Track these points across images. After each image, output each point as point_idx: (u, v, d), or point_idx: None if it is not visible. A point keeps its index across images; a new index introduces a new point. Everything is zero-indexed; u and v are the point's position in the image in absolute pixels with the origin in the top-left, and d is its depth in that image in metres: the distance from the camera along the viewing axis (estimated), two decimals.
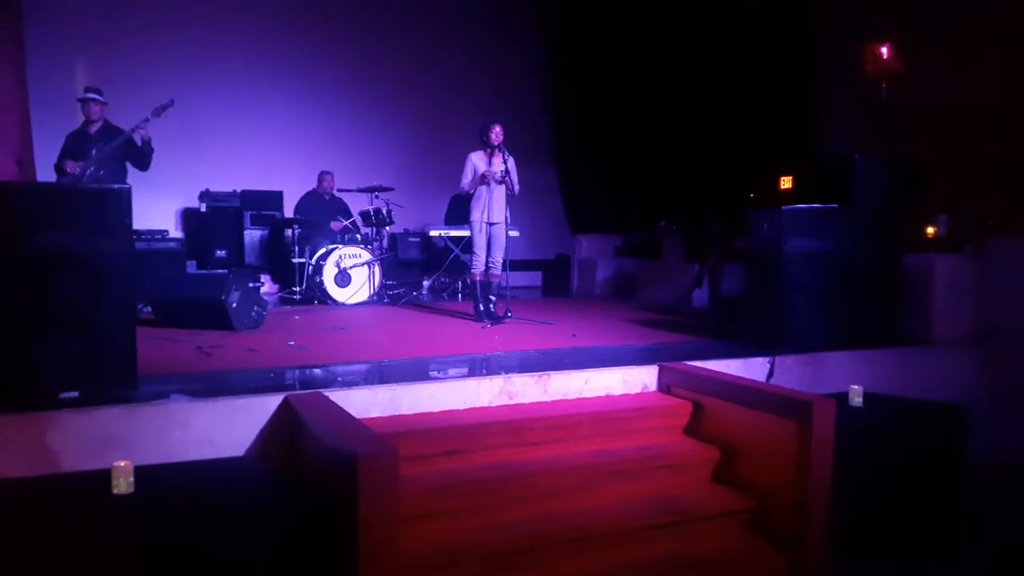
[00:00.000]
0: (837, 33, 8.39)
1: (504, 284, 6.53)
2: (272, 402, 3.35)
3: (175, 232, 9.25)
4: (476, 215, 6.24)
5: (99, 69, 8.55)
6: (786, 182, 5.67)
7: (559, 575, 3.16)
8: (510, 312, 6.31)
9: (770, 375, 4.42)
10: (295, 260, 8.04)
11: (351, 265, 7.75)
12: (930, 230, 6.29)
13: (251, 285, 5.85)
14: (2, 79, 6.58)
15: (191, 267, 8.60)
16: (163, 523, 2.56)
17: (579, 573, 3.19)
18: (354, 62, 10.23)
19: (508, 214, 6.27)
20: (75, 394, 3.19)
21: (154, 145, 6.04)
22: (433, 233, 9.10)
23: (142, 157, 6.05)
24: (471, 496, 3.27)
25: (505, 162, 6.13)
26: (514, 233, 6.94)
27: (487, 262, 6.33)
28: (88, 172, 5.84)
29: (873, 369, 4.68)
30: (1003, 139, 6.60)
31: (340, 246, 7.80)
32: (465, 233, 8.25)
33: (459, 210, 8.91)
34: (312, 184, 8.68)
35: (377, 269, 7.94)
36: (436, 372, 4.17)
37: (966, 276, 5.29)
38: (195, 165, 9.16)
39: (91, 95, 6.09)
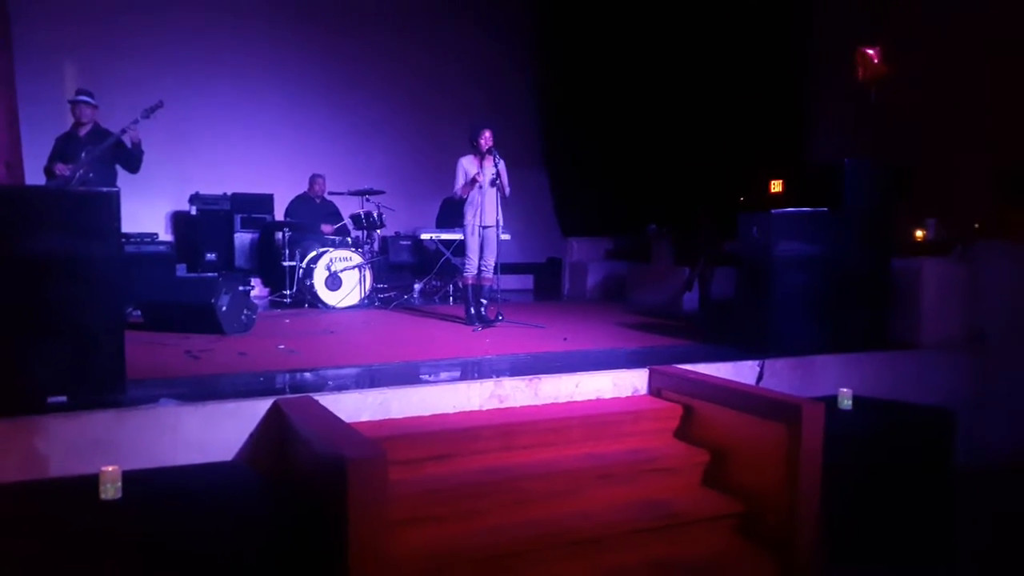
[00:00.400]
0: (827, 37, 8.43)
1: (495, 287, 6.53)
2: (261, 406, 3.34)
3: (165, 235, 9.22)
4: (469, 218, 6.24)
5: (88, 71, 8.53)
6: (776, 185, 5.69)
7: None
8: (501, 315, 6.31)
9: (759, 378, 4.44)
10: (285, 263, 8.02)
11: (342, 268, 7.73)
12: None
13: (241, 288, 5.83)
14: None
15: (181, 270, 8.57)
16: (151, 528, 2.54)
17: None
18: (345, 65, 10.22)
19: (500, 217, 6.28)
20: (63, 399, 3.17)
21: (144, 147, 6.01)
22: (424, 236, 9.10)
23: (132, 159, 6.02)
24: (461, 500, 3.27)
25: (496, 165, 6.14)
26: (505, 236, 6.94)
27: (479, 265, 6.33)
28: (78, 175, 5.81)
29: (862, 372, 4.70)
30: (991, 144, 6.65)
31: (331, 249, 7.79)
32: (456, 236, 8.27)
33: (450, 213, 8.91)
34: (303, 187, 8.67)
35: (368, 272, 7.93)
36: (426, 376, 4.16)
37: (954, 280, 5.32)
38: (185, 168, 9.14)
39: (82, 98, 6.06)
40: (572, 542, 3.25)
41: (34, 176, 6.19)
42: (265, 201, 9.35)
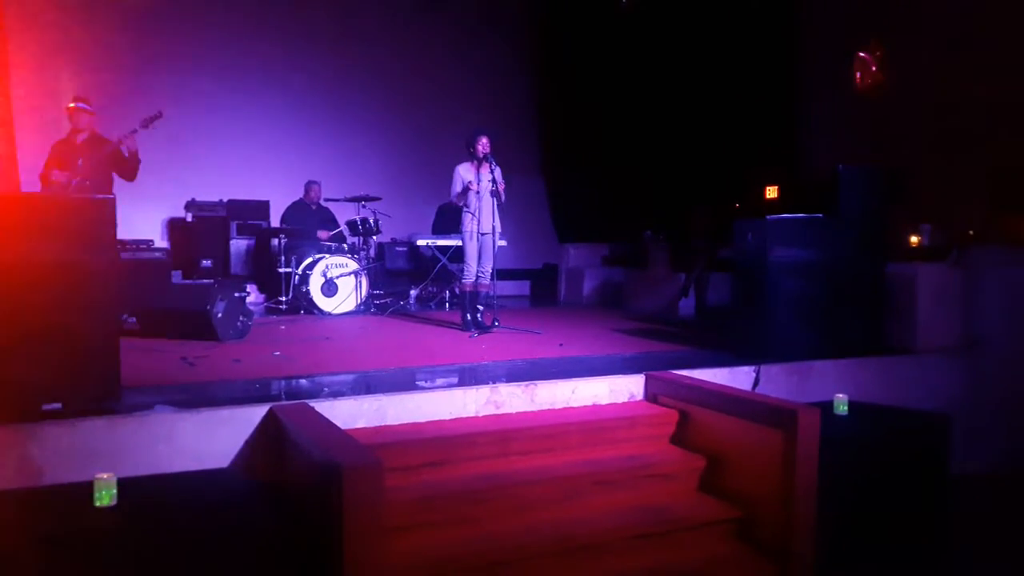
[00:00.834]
0: (821, 43, 8.47)
1: (492, 293, 6.53)
2: (257, 413, 3.33)
3: (161, 242, 9.19)
4: (468, 225, 6.25)
5: (85, 78, 8.52)
6: (771, 192, 5.71)
7: None
8: (497, 321, 6.31)
9: (755, 384, 4.44)
10: (281, 270, 8.00)
11: (338, 275, 7.72)
12: (914, 239, 6.34)
13: (237, 295, 5.82)
14: None
15: (177, 277, 8.54)
16: (146, 536, 2.54)
17: None
18: (341, 72, 10.23)
19: (498, 223, 6.29)
20: (58, 406, 3.16)
21: (140, 155, 6.01)
22: (420, 242, 9.08)
23: (128, 168, 6.01)
24: (457, 507, 3.26)
25: (492, 172, 6.14)
26: (502, 242, 6.94)
27: (476, 271, 6.33)
28: (74, 182, 5.81)
29: (857, 378, 4.71)
30: (986, 149, 6.67)
31: (327, 256, 7.78)
32: (452, 242, 8.26)
33: (446, 219, 8.92)
34: (299, 193, 8.66)
35: (364, 279, 7.92)
36: (422, 382, 4.16)
37: (949, 285, 5.33)
38: (181, 174, 9.12)
39: (80, 104, 6.05)
40: (569, 549, 3.25)
41: (30, 183, 6.18)
42: (261, 207, 9.34)
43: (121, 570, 2.44)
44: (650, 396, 4.22)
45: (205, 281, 8.09)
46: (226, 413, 3.31)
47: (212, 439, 3.24)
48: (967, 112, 6.81)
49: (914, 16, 7.38)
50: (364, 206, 8.30)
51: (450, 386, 3.99)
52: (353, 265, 7.83)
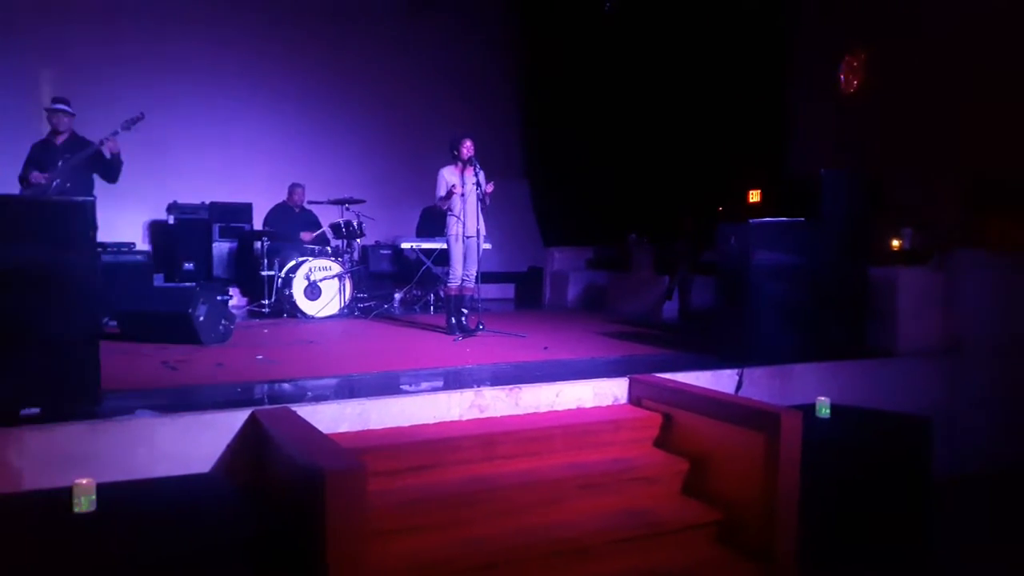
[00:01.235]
0: (805, 49, 8.53)
1: (476, 297, 6.53)
2: (239, 417, 3.31)
3: (142, 244, 9.13)
4: (453, 228, 6.24)
5: (64, 79, 8.45)
6: (754, 196, 5.75)
7: None
8: (482, 325, 6.30)
9: (739, 387, 4.46)
10: (264, 273, 7.96)
11: (321, 278, 7.69)
12: (895, 243, 6.40)
13: (219, 298, 5.78)
14: None
15: (158, 280, 8.49)
16: (126, 542, 2.51)
17: None
18: (325, 74, 10.20)
19: (482, 227, 6.28)
20: (36, 411, 3.12)
21: (122, 157, 5.96)
22: (405, 245, 9.07)
23: (110, 169, 5.96)
24: (441, 511, 3.25)
25: (477, 175, 6.15)
26: (486, 246, 6.94)
27: (462, 275, 6.33)
28: (54, 184, 5.75)
29: (840, 381, 4.74)
30: (966, 154, 6.74)
31: (310, 259, 7.75)
32: (436, 245, 8.25)
33: (431, 222, 8.90)
34: (282, 196, 8.62)
35: (348, 282, 7.89)
36: (406, 386, 4.14)
37: (931, 288, 5.38)
38: (163, 177, 9.06)
39: (59, 106, 5.99)
40: (553, 552, 3.25)
41: (8, 184, 6.11)
42: (244, 210, 9.28)
43: None
44: (634, 399, 4.23)
45: (187, 284, 8.06)
46: (208, 417, 3.28)
47: (194, 444, 3.21)
48: (948, 117, 6.88)
49: (899, 23, 7.45)
50: (348, 209, 8.28)
51: (434, 390, 3.98)
52: (337, 268, 7.80)
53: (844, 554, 3.77)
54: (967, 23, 6.88)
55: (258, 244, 8.24)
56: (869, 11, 7.71)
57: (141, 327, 5.74)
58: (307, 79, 10.10)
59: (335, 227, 8.22)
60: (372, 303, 8.33)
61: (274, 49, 9.90)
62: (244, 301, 8.77)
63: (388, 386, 4.10)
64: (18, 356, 3.12)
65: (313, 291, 7.64)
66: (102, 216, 3.43)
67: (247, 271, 8.92)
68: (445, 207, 6.26)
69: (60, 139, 6.00)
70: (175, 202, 9.09)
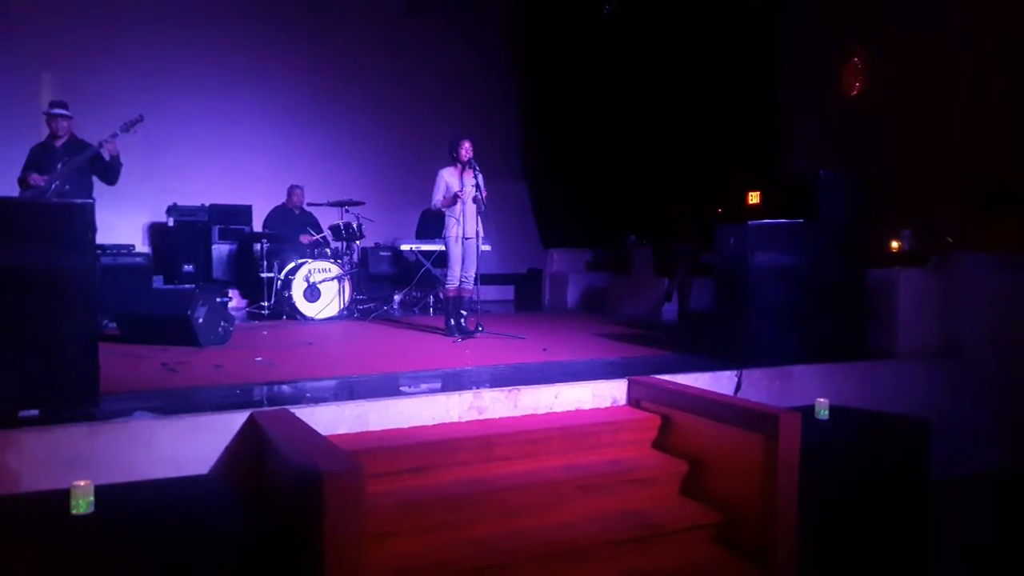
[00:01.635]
0: (803, 51, 8.55)
1: (476, 298, 6.53)
2: (238, 419, 3.31)
3: (142, 246, 9.13)
4: (452, 230, 6.24)
5: (64, 81, 8.45)
6: (753, 197, 5.75)
7: None
8: (481, 326, 6.31)
9: (737, 389, 4.46)
10: (264, 275, 7.96)
11: (321, 280, 7.69)
12: (894, 244, 6.41)
13: (218, 300, 5.78)
14: None
15: (158, 282, 8.49)
16: (124, 544, 2.51)
17: None
18: (324, 76, 10.21)
19: (481, 228, 6.29)
20: (35, 412, 3.12)
21: (122, 159, 5.96)
22: (404, 247, 9.08)
23: (110, 172, 5.97)
24: (439, 513, 3.25)
25: (476, 177, 6.15)
26: (486, 247, 6.94)
27: (460, 276, 6.33)
28: (53, 186, 5.75)
29: (839, 382, 4.74)
30: (965, 156, 6.75)
31: (309, 260, 7.75)
32: (436, 247, 8.26)
33: (430, 224, 8.90)
34: (281, 198, 8.63)
35: (347, 284, 7.89)
36: (405, 387, 4.14)
37: (929, 290, 5.38)
38: (163, 179, 9.06)
39: (57, 111, 5.99)
40: (551, 554, 3.24)
41: (7, 187, 6.12)
42: (243, 212, 9.29)
43: None
44: (633, 401, 4.23)
45: (186, 286, 8.07)
46: (206, 419, 3.28)
47: (192, 445, 3.21)
48: (947, 119, 6.89)
49: (898, 25, 7.46)
50: (347, 211, 8.28)
51: (433, 391, 3.98)
52: (336, 270, 7.81)
53: (843, 556, 3.77)
54: (967, 25, 6.89)
55: (257, 246, 8.24)
56: (868, 13, 7.73)
57: (140, 329, 5.74)
58: (306, 81, 10.11)
59: (335, 229, 8.22)
60: (371, 305, 8.33)
61: (273, 51, 9.90)
62: (243, 303, 8.77)
63: (387, 388, 4.10)
64: (17, 358, 3.12)
65: (313, 293, 7.64)
66: (101, 218, 3.43)
67: (247, 273, 8.92)
68: (444, 208, 6.25)
69: (59, 142, 6.01)
70: (175, 204, 9.10)
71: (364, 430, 3.58)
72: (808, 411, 4.00)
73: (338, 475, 2.53)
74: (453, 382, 4.30)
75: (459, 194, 6.14)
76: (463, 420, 3.83)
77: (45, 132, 6.10)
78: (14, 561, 2.40)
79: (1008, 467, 5.10)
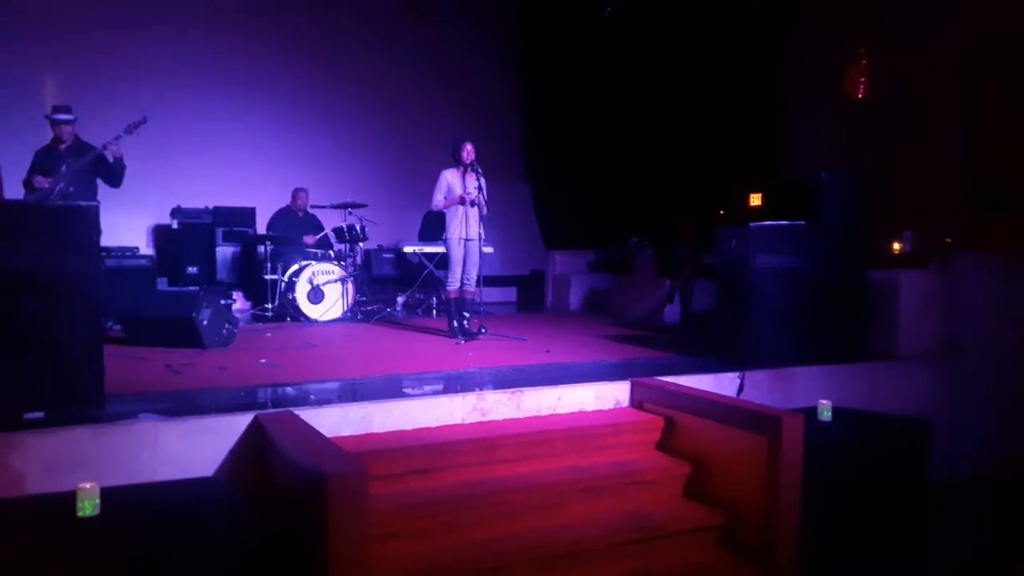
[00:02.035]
0: (804, 53, 8.55)
1: (478, 300, 6.53)
2: (242, 421, 3.32)
3: (146, 249, 9.15)
4: (453, 231, 6.25)
5: (67, 84, 8.48)
6: (755, 199, 5.75)
7: None
8: (484, 328, 6.32)
9: (740, 390, 4.47)
10: (267, 277, 7.98)
11: (324, 282, 7.71)
12: (896, 246, 6.41)
13: (223, 302, 5.80)
14: None
15: (162, 284, 8.51)
16: (129, 546, 2.52)
17: None
18: (327, 79, 10.22)
19: (482, 230, 6.29)
20: (40, 415, 3.14)
21: (126, 161, 5.98)
22: (407, 249, 9.09)
23: (114, 174, 5.98)
24: (443, 515, 3.26)
25: (478, 180, 6.15)
26: (488, 249, 6.95)
27: (462, 278, 6.34)
28: (58, 188, 5.77)
29: (841, 384, 4.74)
30: (966, 157, 6.76)
31: (313, 263, 7.77)
32: (439, 249, 8.26)
33: (433, 226, 8.92)
34: (285, 200, 8.65)
35: (350, 285, 7.91)
36: (409, 389, 4.16)
37: (931, 292, 5.38)
38: (167, 181, 9.08)
39: (59, 116, 6.00)
40: (555, 555, 3.25)
41: (12, 189, 6.14)
42: (247, 214, 9.30)
43: None
44: (636, 402, 4.23)
45: (191, 288, 8.08)
46: (211, 421, 3.30)
47: (197, 447, 3.23)
48: (948, 120, 6.90)
49: (898, 26, 7.46)
50: (351, 213, 8.30)
51: (436, 393, 3.99)
52: (339, 272, 7.82)
53: (845, 557, 3.78)
54: (969, 27, 6.89)
55: (261, 248, 8.26)
56: (869, 15, 7.73)
57: (145, 331, 5.76)
58: (310, 83, 10.13)
59: (338, 231, 8.24)
60: (375, 307, 8.35)
61: (277, 54, 9.92)
62: (247, 305, 8.79)
63: (391, 390, 4.11)
64: (22, 360, 3.14)
65: (316, 295, 7.66)
66: (106, 220, 3.45)
67: (251, 275, 8.94)
68: (443, 208, 6.26)
69: (63, 145, 6.02)
70: (179, 207, 9.12)
71: (368, 432, 3.59)
72: (811, 412, 4.01)
73: (342, 477, 2.54)
74: (456, 384, 4.31)
75: (464, 196, 6.15)
76: (466, 422, 3.84)
77: (49, 135, 6.12)
78: (20, 563, 2.41)
79: (1009, 468, 5.09)
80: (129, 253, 7.60)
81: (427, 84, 10.69)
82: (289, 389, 4.14)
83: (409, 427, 3.70)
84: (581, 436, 3.85)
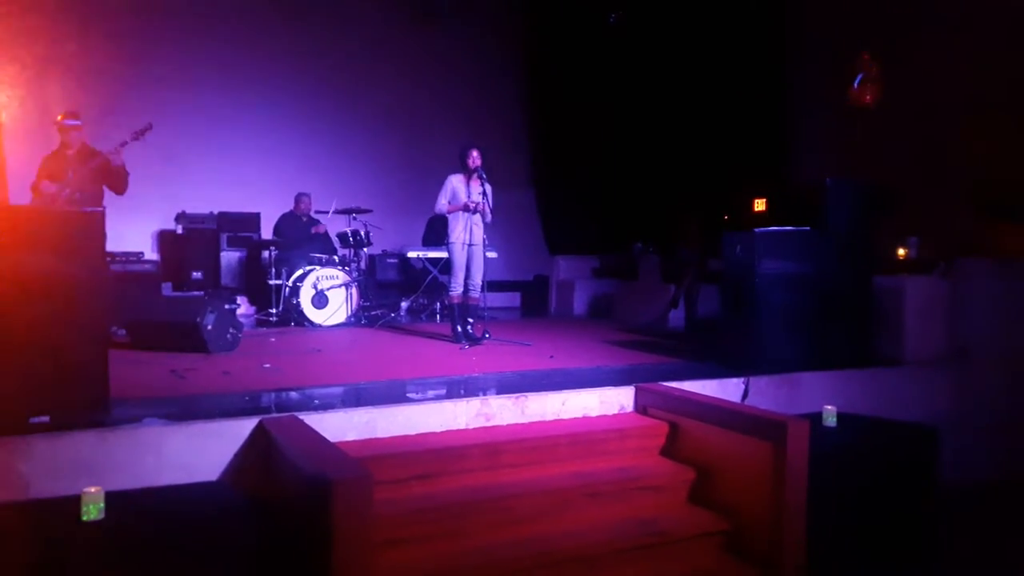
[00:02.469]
0: (810, 58, 8.54)
1: (482, 305, 6.53)
2: (246, 426, 3.32)
3: (151, 254, 9.18)
4: (455, 236, 6.25)
5: (74, 91, 8.51)
6: (759, 204, 5.75)
7: None
8: (488, 333, 6.31)
9: (745, 396, 4.46)
10: (272, 282, 8.00)
11: (328, 286, 7.72)
12: (901, 252, 6.39)
13: (227, 307, 5.81)
14: None
15: (167, 289, 8.53)
16: (133, 550, 2.52)
17: None
18: (332, 84, 10.24)
19: (485, 236, 6.30)
20: (45, 419, 3.14)
21: (130, 167, 5.99)
22: (411, 254, 9.10)
23: (118, 181, 6.00)
24: (446, 520, 3.26)
25: (483, 186, 6.15)
26: (492, 254, 6.94)
27: (466, 283, 6.34)
28: (65, 194, 5.79)
29: (846, 389, 4.73)
30: (972, 161, 6.74)
31: (317, 267, 7.78)
32: (443, 254, 8.27)
33: (437, 231, 8.93)
34: (289, 206, 8.67)
35: (355, 290, 7.92)
36: (413, 394, 4.16)
37: (936, 297, 5.37)
38: (171, 186, 9.11)
39: (67, 121, 6.02)
40: (558, 561, 3.24)
41: (20, 194, 6.16)
42: (251, 220, 9.34)
43: None
44: (640, 408, 4.23)
45: (195, 293, 8.10)
46: (215, 426, 3.30)
47: (201, 452, 3.23)
48: (953, 125, 6.88)
49: (904, 30, 7.45)
50: (355, 218, 8.32)
51: (440, 398, 3.99)
52: (344, 277, 7.83)
53: (850, 563, 3.76)
54: (976, 32, 6.88)
55: (266, 253, 8.28)
56: (876, 20, 7.72)
57: (149, 336, 5.77)
58: (314, 89, 10.15)
59: (342, 236, 8.25)
60: (379, 312, 8.35)
61: (282, 59, 9.95)
62: (252, 310, 8.80)
63: (395, 395, 4.11)
64: (28, 364, 3.15)
65: (320, 300, 7.67)
66: (111, 226, 3.46)
67: (255, 280, 8.96)
68: (447, 213, 6.26)
69: (70, 151, 6.04)
70: (183, 212, 9.15)
71: (372, 437, 3.59)
72: (816, 418, 3.99)
73: (347, 483, 2.54)
74: (460, 389, 4.31)
75: (468, 203, 6.15)
76: (470, 427, 3.84)
77: (57, 141, 6.14)
78: (25, 567, 2.41)
79: (1016, 475, 5.07)
80: (134, 258, 7.62)
81: (432, 90, 10.72)
82: (293, 394, 4.14)
83: (413, 432, 3.70)
84: (585, 441, 3.85)
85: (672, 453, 3.98)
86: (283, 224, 8.53)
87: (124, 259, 7.43)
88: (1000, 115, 6.53)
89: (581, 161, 10.54)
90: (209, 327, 5.54)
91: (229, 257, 9.22)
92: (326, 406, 3.71)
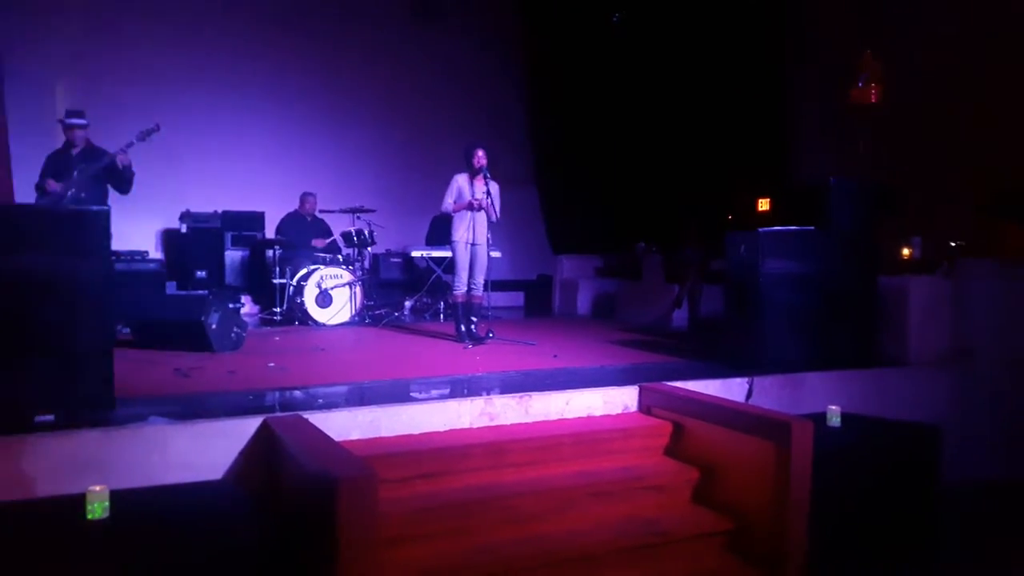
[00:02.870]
0: (814, 58, 8.53)
1: (486, 304, 6.54)
2: (251, 425, 3.33)
3: (155, 253, 9.20)
4: (459, 235, 6.26)
5: (80, 90, 8.53)
6: (763, 204, 5.75)
7: None
8: (492, 333, 6.32)
9: (749, 396, 4.46)
10: (276, 281, 8.01)
11: (332, 286, 7.73)
12: (905, 252, 6.38)
13: (231, 306, 5.82)
14: None
15: (171, 288, 8.54)
16: (138, 549, 2.53)
17: None
18: (336, 84, 10.26)
19: (489, 235, 6.30)
20: (51, 417, 3.16)
21: (135, 167, 6.01)
22: (415, 254, 9.11)
23: (123, 181, 6.01)
24: (451, 519, 3.26)
25: (487, 186, 6.16)
26: (496, 254, 6.94)
27: (469, 283, 6.34)
28: (69, 193, 5.81)
29: (850, 389, 4.72)
30: (976, 162, 6.73)
31: (321, 267, 7.79)
32: (446, 254, 8.27)
33: (441, 231, 8.92)
34: (293, 205, 8.68)
35: (358, 290, 7.93)
36: (417, 393, 4.16)
37: (940, 297, 5.36)
38: (176, 186, 9.12)
39: (73, 120, 6.04)
40: (562, 560, 3.25)
41: (24, 193, 6.17)
42: (256, 219, 9.34)
43: None
44: (644, 407, 4.23)
45: (199, 292, 8.10)
46: (220, 425, 3.31)
47: (206, 451, 3.24)
48: (957, 125, 6.87)
49: (907, 31, 7.44)
50: (359, 217, 8.32)
51: (444, 397, 3.99)
52: (347, 276, 7.84)
53: (853, 562, 3.76)
54: (981, 32, 6.87)
55: (270, 252, 8.29)
56: (879, 20, 7.71)
57: (154, 335, 5.78)
58: (318, 89, 10.16)
59: (346, 235, 8.26)
60: (382, 311, 8.36)
61: (286, 59, 9.96)
62: (256, 309, 8.82)
63: (399, 394, 4.11)
64: (32, 363, 3.16)
65: (324, 299, 7.68)
66: (116, 225, 3.47)
67: (259, 279, 8.97)
68: (453, 212, 6.27)
69: (75, 149, 6.06)
70: (188, 211, 9.16)
71: (376, 436, 3.60)
72: (820, 418, 4.00)
73: (352, 481, 2.55)
74: (464, 388, 4.32)
75: (473, 202, 6.15)
76: (474, 426, 3.85)
77: (62, 139, 6.16)
78: (30, 566, 2.42)
79: (1019, 475, 5.06)
80: (139, 257, 7.62)
81: (436, 89, 10.72)
82: (297, 393, 4.15)
83: (417, 431, 3.70)
84: (589, 441, 3.85)
85: (676, 453, 3.98)
86: (288, 223, 8.54)
87: (129, 258, 7.44)
88: (1006, 114, 6.52)
89: (584, 160, 10.54)
90: (213, 326, 5.55)
91: (233, 256, 9.23)
92: (330, 405, 3.72)
